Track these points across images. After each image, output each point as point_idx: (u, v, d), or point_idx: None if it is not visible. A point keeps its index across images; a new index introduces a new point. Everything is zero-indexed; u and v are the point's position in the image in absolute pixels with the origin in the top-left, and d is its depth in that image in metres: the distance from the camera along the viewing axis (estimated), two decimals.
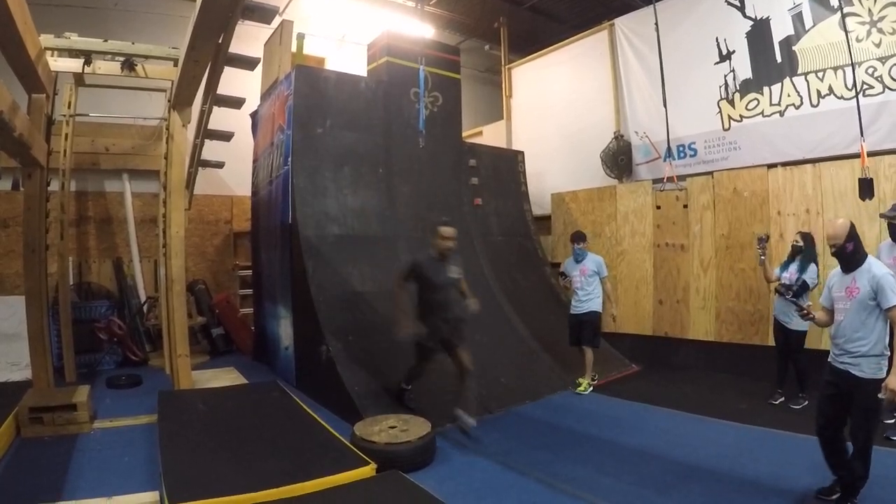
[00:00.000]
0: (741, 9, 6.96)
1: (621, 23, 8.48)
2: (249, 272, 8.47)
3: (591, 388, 5.96)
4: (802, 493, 3.39)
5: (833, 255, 3.22)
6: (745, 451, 4.15)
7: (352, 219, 6.22)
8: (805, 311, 3.48)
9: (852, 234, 3.15)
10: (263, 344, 7.41)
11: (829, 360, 3.23)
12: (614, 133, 8.40)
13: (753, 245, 6.00)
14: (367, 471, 3.51)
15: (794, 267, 5.20)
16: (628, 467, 3.95)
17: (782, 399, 5.29)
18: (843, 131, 6.00)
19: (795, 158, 6.41)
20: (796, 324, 5.02)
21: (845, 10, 5.90)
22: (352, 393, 4.80)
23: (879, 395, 2.90)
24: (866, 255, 3.19)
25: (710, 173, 7.04)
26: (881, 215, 4.69)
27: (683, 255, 7.12)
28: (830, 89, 6.20)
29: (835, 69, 6.14)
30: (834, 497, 3.20)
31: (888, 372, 2.94)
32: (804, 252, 5.17)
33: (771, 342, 5.73)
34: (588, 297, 6.05)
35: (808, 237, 5.28)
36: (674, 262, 7.22)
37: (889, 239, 4.57)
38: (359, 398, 4.77)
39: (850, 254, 3.14)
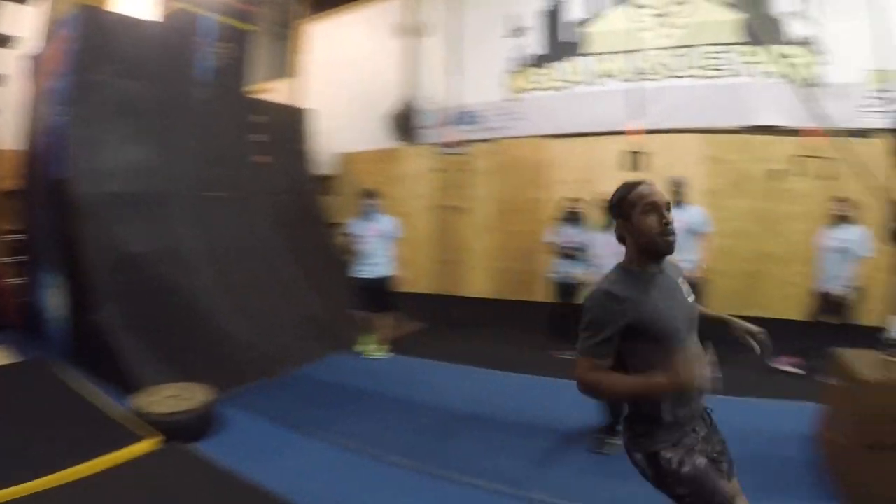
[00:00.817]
0: None
1: None
2: (21, 237, 7.40)
3: (385, 353, 5.95)
4: (576, 430, 3.89)
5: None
6: (522, 397, 4.58)
7: (131, 175, 5.71)
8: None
9: None
10: (36, 316, 6.59)
11: None
12: (403, 96, 8.62)
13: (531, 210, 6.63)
14: (149, 445, 3.49)
15: (572, 231, 5.83)
16: (410, 420, 4.23)
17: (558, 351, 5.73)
18: (622, 110, 6.45)
19: (575, 131, 7.09)
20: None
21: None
22: (129, 363, 4.58)
23: None
24: None
25: (494, 140, 7.61)
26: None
27: (464, 218, 7.61)
28: (614, 71, 6.97)
29: (622, 53, 6.88)
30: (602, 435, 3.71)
31: None
32: (581, 216, 5.87)
33: (540, 299, 6.54)
34: (379, 261, 5.85)
35: (582, 203, 5.93)
36: (455, 224, 7.66)
37: None
38: (137, 368, 4.55)
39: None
